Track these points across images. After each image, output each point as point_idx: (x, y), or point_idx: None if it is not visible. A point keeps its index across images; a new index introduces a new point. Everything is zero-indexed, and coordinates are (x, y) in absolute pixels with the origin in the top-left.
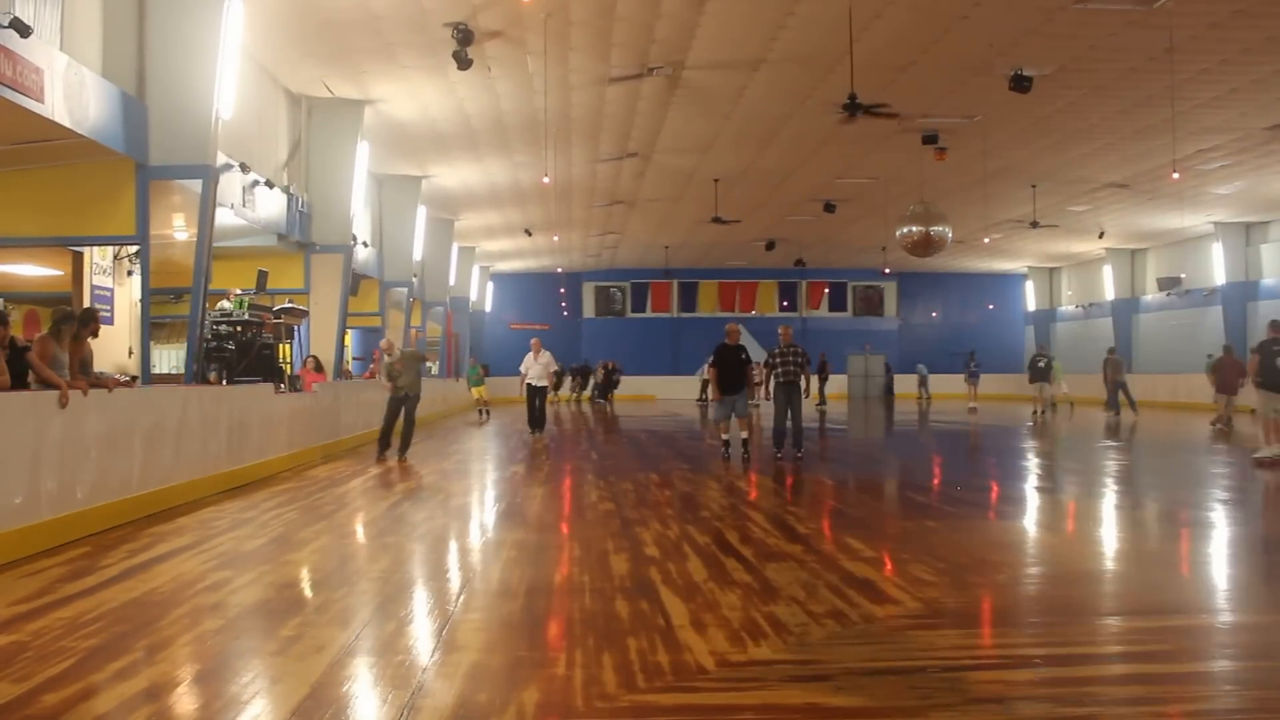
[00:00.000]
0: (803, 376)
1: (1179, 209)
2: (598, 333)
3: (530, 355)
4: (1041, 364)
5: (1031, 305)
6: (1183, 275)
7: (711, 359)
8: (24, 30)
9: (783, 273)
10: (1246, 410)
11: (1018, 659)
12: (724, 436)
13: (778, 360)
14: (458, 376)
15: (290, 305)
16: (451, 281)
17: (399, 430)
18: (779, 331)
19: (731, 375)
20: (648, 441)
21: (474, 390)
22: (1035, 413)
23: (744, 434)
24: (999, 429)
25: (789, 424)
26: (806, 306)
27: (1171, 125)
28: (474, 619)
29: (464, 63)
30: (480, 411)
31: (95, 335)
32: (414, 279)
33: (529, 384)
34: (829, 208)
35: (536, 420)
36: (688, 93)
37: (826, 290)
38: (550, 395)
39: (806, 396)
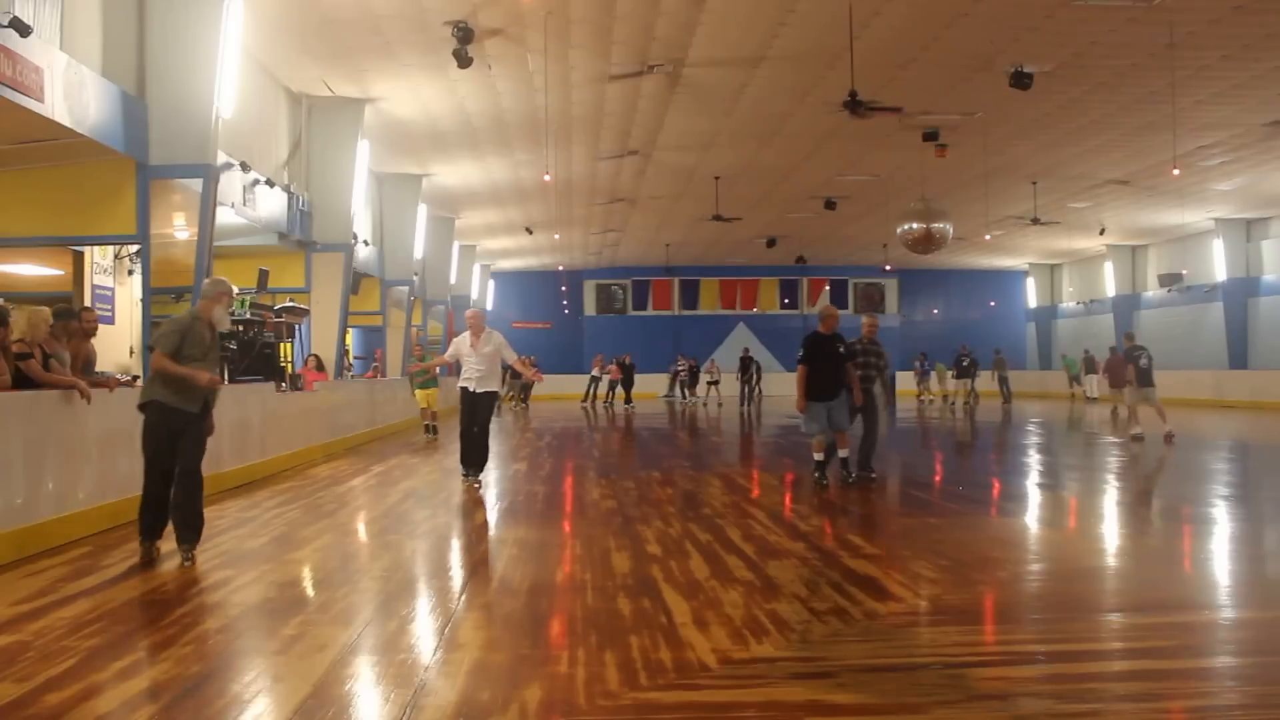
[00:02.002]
0: (880, 381)
1: (1180, 205)
2: (599, 331)
3: (465, 337)
4: (965, 362)
5: (1033, 302)
6: (1184, 271)
7: (802, 353)
8: (24, 29)
9: (784, 270)
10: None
11: (1020, 655)
12: (819, 456)
13: (859, 360)
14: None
15: (291, 304)
16: (452, 280)
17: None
18: (863, 322)
19: (830, 374)
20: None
21: (418, 395)
22: (965, 404)
23: (844, 451)
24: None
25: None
26: (808, 304)
27: (1172, 121)
28: (476, 617)
29: (464, 61)
30: (426, 427)
31: (92, 334)
32: (415, 277)
33: (464, 388)
34: (830, 205)
35: (471, 451)
36: (688, 90)
37: (827, 287)
38: (507, 399)
39: (889, 406)
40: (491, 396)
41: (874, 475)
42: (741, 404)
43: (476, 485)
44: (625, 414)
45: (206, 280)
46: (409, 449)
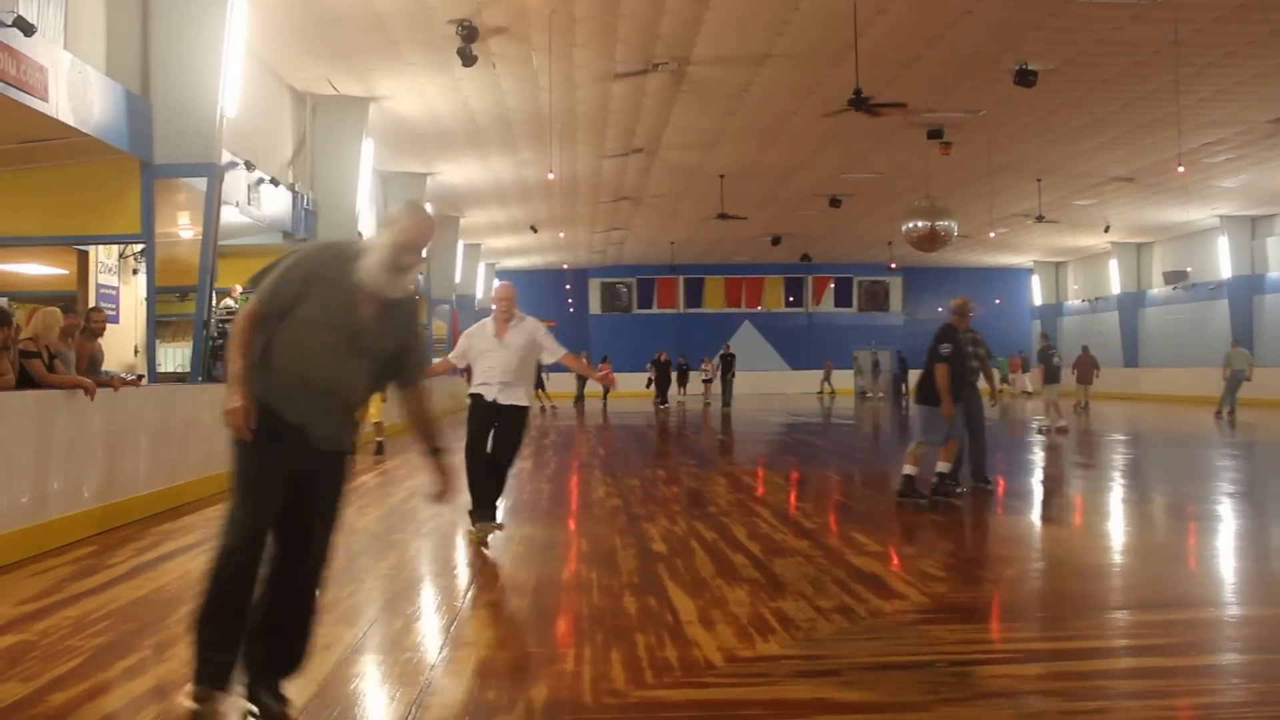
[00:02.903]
0: (984, 374)
1: (1184, 203)
2: (604, 329)
3: (486, 324)
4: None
5: (1038, 300)
6: (1189, 269)
7: (946, 348)
8: (28, 29)
9: (788, 268)
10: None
11: (1026, 653)
12: (912, 470)
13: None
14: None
15: None
16: (457, 279)
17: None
18: (952, 307)
19: (962, 374)
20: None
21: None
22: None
23: (947, 465)
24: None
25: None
26: (812, 302)
27: (1176, 119)
28: (482, 615)
29: (468, 59)
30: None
31: (100, 334)
32: (419, 276)
33: (477, 395)
34: (834, 203)
35: (488, 489)
36: (692, 88)
37: (832, 285)
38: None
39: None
40: (520, 413)
41: (990, 485)
42: (724, 404)
43: (493, 533)
44: (658, 414)
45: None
46: (412, 448)
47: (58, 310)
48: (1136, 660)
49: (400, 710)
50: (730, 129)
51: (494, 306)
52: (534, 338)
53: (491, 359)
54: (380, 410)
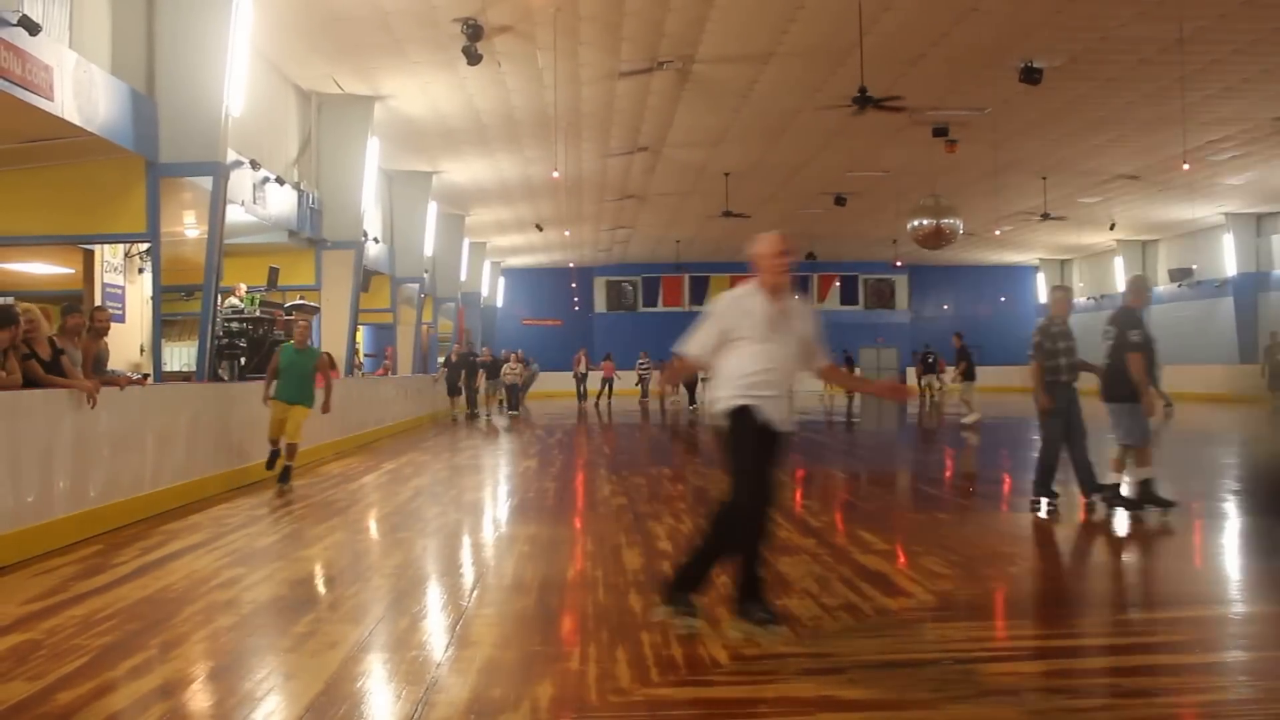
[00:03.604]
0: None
1: (1190, 200)
2: (609, 327)
3: (752, 295)
4: (930, 359)
5: (1043, 297)
6: (1194, 266)
7: (1138, 335)
8: (33, 28)
9: (793, 266)
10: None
11: (1030, 650)
12: (1118, 478)
13: (1060, 345)
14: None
15: (301, 301)
16: (463, 277)
17: None
18: (1053, 299)
19: (1156, 365)
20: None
21: (273, 410)
22: (931, 398)
23: (1148, 471)
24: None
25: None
26: (817, 299)
27: (1182, 116)
28: (487, 614)
29: (474, 58)
30: (284, 470)
31: (104, 333)
32: (425, 275)
33: (747, 410)
34: (840, 201)
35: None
36: (698, 87)
37: (837, 283)
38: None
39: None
40: (786, 445)
41: (1113, 502)
42: (690, 402)
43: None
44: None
45: None
46: (418, 447)
47: (34, 307)
48: (1141, 658)
49: (406, 708)
50: (735, 127)
51: (757, 269)
52: (816, 330)
53: (769, 354)
54: (299, 426)
